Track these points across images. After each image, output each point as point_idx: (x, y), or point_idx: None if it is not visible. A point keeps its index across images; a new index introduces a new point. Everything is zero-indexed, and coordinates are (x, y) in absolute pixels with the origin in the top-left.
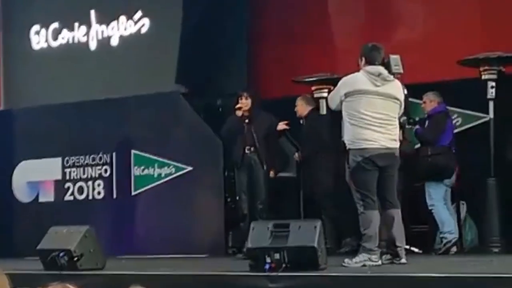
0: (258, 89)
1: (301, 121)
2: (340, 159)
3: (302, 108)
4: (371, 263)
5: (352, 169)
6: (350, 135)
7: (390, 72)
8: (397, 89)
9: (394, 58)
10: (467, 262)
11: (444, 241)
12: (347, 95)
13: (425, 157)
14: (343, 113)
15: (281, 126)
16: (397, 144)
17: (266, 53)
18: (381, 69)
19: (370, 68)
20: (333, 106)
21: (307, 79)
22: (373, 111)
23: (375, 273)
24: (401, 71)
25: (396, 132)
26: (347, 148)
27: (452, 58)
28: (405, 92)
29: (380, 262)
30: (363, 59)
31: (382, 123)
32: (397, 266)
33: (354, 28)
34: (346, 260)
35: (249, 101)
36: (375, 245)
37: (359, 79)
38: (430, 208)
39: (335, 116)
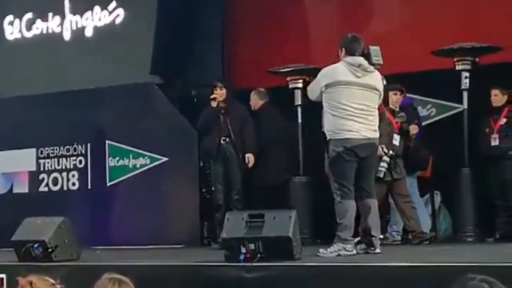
0: (233, 80)
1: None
2: (292, 151)
3: (255, 101)
4: (346, 252)
5: (332, 159)
6: (331, 126)
7: (370, 63)
8: (377, 80)
9: (374, 49)
10: (441, 251)
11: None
12: (327, 86)
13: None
14: (324, 104)
15: (252, 160)
16: (377, 135)
17: (241, 44)
18: (362, 60)
19: (351, 59)
20: (313, 97)
21: (282, 70)
22: (354, 102)
23: (350, 263)
24: (381, 62)
25: (376, 123)
26: (328, 138)
27: (427, 49)
28: (384, 83)
29: (355, 252)
30: (343, 50)
31: (363, 114)
32: (372, 255)
33: (330, 18)
34: (321, 250)
35: (224, 91)
36: (350, 234)
37: (339, 70)
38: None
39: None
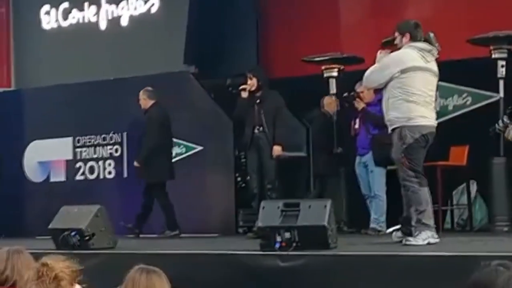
0: (269, 69)
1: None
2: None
3: (145, 101)
4: (433, 240)
5: (409, 146)
6: (405, 112)
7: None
8: (436, 66)
9: (433, 36)
10: (477, 241)
11: (379, 228)
12: (403, 71)
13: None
14: (393, 90)
15: (278, 151)
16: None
17: (276, 32)
18: (430, 45)
19: (421, 44)
20: (375, 83)
21: (317, 59)
22: (426, 87)
23: (384, 252)
24: (440, 48)
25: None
26: (399, 125)
27: (462, 37)
28: None
29: (439, 240)
30: (408, 35)
31: (432, 100)
32: (405, 245)
33: (364, 6)
34: (410, 238)
35: (254, 80)
36: (433, 221)
37: (411, 56)
38: (376, 195)
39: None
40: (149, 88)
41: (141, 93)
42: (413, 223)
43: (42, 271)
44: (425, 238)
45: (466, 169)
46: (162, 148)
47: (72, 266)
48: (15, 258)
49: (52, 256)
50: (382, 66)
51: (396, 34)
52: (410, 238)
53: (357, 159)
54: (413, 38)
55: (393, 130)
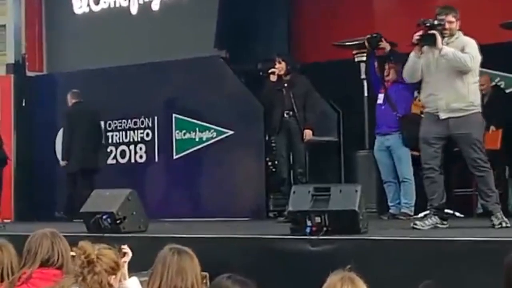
0: (300, 53)
1: None
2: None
3: (69, 101)
4: (505, 223)
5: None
6: (479, 98)
7: None
8: None
9: None
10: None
11: (410, 213)
12: None
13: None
14: (474, 77)
15: (309, 135)
16: None
17: (308, 16)
18: None
19: None
20: (474, 66)
21: (347, 43)
22: None
23: (416, 237)
24: None
25: None
26: (479, 110)
27: (495, 21)
28: None
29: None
30: (459, 22)
31: None
32: (439, 230)
33: None
34: (493, 218)
35: (283, 64)
36: None
37: None
38: (405, 180)
39: None
40: (74, 90)
41: (68, 93)
42: (489, 205)
43: (78, 255)
44: (499, 221)
45: (499, 154)
46: (91, 139)
47: (113, 256)
48: (58, 241)
49: (101, 245)
50: (476, 49)
51: (453, 18)
52: (493, 218)
53: (377, 142)
54: None
55: (470, 114)
